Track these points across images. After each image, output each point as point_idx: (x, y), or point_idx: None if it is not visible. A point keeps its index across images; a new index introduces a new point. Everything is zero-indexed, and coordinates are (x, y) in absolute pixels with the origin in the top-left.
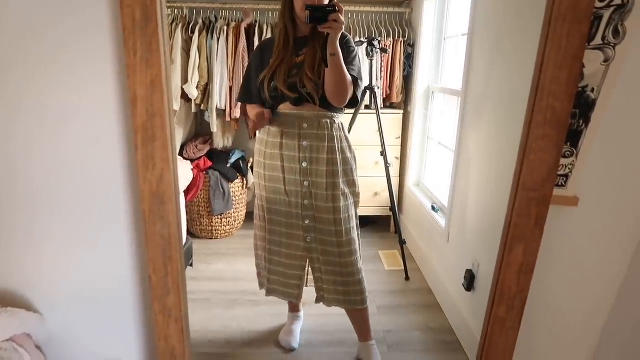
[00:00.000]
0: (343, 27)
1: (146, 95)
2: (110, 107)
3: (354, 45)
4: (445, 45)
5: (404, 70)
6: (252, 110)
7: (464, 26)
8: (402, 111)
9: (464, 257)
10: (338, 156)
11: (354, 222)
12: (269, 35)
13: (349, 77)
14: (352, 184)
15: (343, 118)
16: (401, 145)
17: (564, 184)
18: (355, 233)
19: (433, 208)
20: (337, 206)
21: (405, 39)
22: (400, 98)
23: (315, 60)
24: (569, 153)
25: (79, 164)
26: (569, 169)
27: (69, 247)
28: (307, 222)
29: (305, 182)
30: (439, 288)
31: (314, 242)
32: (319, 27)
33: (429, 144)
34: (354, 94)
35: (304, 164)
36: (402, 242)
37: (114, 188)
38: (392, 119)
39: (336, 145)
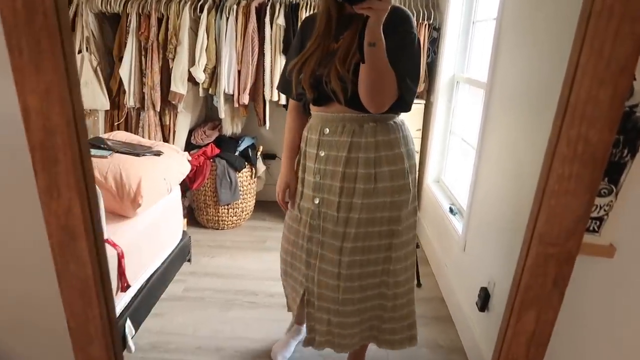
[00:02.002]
0: (388, 8)
1: (40, 107)
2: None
3: (414, 29)
4: (474, 30)
5: (427, 56)
6: (292, 121)
7: (495, 8)
8: (424, 101)
9: (480, 272)
10: (362, 170)
11: (379, 255)
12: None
13: (392, 76)
14: (394, 207)
15: (397, 118)
16: (422, 138)
17: (596, 229)
18: (372, 267)
19: (451, 210)
20: (348, 232)
21: (431, 21)
22: (422, 87)
23: (350, 49)
24: (606, 191)
25: None
26: (605, 210)
27: None
28: (309, 245)
29: (315, 199)
30: (452, 300)
31: (312, 269)
32: (355, 7)
33: (451, 138)
34: (401, 96)
35: (317, 177)
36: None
37: (26, 214)
38: (413, 110)
39: (363, 155)
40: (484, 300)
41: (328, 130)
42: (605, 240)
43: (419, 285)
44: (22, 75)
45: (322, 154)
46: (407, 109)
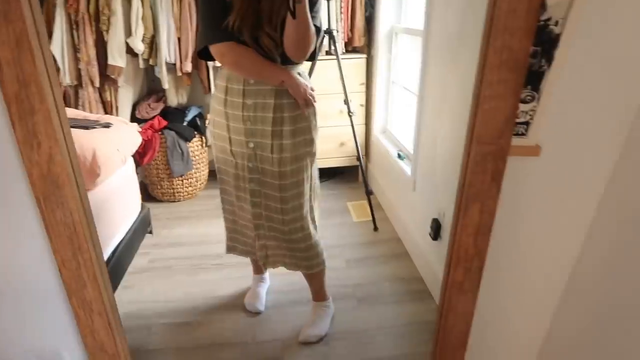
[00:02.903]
0: None
1: (13, 58)
2: None
3: None
4: None
5: (365, 10)
6: (247, 53)
7: None
8: (365, 55)
9: (431, 206)
10: (287, 114)
11: (304, 186)
12: None
13: (312, 28)
14: (306, 143)
15: (300, 68)
16: (366, 92)
17: (524, 132)
18: (305, 197)
19: (399, 156)
20: (283, 171)
21: None
22: (362, 41)
23: (273, 9)
24: (529, 97)
25: None
26: (530, 115)
27: None
28: (252, 185)
29: (250, 143)
30: (408, 237)
31: (258, 206)
32: None
33: (393, 89)
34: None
35: (248, 124)
36: (368, 193)
37: (6, 169)
38: (355, 64)
39: (286, 102)
40: (436, 230)
41: (253, 80)
42: (532, 142)
43: (375, 229)
44: None
45: (249, 102)
46: (316, 55)
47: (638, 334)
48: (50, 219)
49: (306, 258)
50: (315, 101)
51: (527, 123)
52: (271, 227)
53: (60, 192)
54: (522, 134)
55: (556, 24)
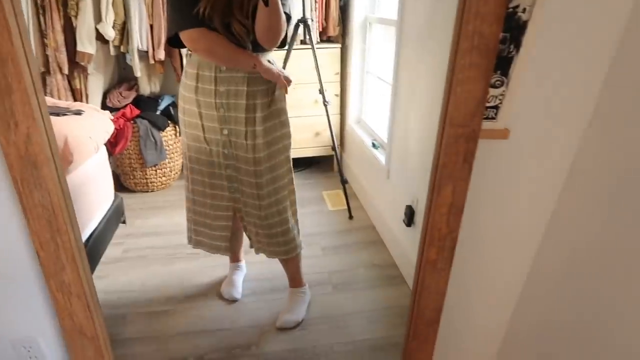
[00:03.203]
0: None
1: None
2: None
3: None
4: None
5: (340, 0)
6: (219, 39)
7: None
8: (339, 45)
9: (404, 194)
10: (259, 101)
11: (280, 170)
12: None
13: (284, 16)
14: (279, 126)
15: (271, 55)
16: (341, 82)
17: (494, 116)
18: (281, 182)
19: (373, 145)
20: (257, 157)
21: None
22: (337, 31)
23: None
24: (499, 82)
25: None
26: (499, 99)
27: None
28: (228, 171)
29: (224, 130)
30: (382, 225)
31: (237, 192)
32: None
33: (368, 78)
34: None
35: (221, 111)
36: (343, 182)
37: None
38: (329, 54)
39: (258, 88)
40: (409, 216)
41: (224, 67)
42: (501, 125)
43: (350, 217)
44: None
45: (221, 89)
46: (286, 42)
47: (599, 310)
48: (28, 201)
49: (283, 243)
50: (290, 81)
51: (496, 107)
52: (248, 212)
53: (38, 173)
54: (492, 118)
55: (524, 11)
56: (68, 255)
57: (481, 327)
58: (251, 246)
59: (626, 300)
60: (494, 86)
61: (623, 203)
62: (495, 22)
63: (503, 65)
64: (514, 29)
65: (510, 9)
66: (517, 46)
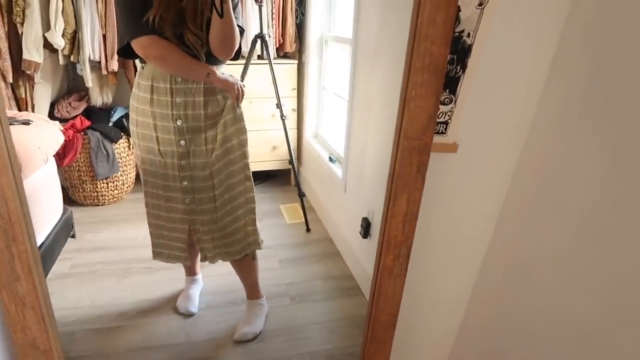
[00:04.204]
0: None
1: None
2: None
3: None
4: None
5: (296, 17)
6: (171, 48)
7: None
8: (296, 61)
9: (361, 206)
10: (217, 108)
11: (234, 167)
12: None
13: (237, 28)
14: (238, 132)
15: (228, 69)
16: (297, 97)
17: (444, 131)
18: (236, 177)
19: (330, 159)
20: (214, 156)
21: None
22: (294, 47)
23: (197, 7)
24: (448, 100)
25: None
26: (449, 115)
27: None
28: (184, 183)
29: (181, 142)
30: (339, 237)
31: (193, 203)
32: None
33: (324, 94)
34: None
35: (179, 122)
36: (301, 195)
37: None
38: (286, 70)
39: (216, 97)
40: (366, 228)
41: (180, 79)
42: (450, 139)
43: (308, 230)
44: None
45: (178, 100)
46: (240, 54)
47: (540, 308)
48: None
49: (237, 242)
50: (243, 93)
51: (446, 123)
52: (204, 221)
53: None
54: (442, 133)
55: (468, 35)
56: (24, 265)
57: (434, 328)
58: (202, 259)
59: (563, 297)
60: (443, 103)
61: (561, 209)
62: (443, 44)
63: (451, 84)
64: (460, 51)
65: (457, 33)
66: (463, 67)
